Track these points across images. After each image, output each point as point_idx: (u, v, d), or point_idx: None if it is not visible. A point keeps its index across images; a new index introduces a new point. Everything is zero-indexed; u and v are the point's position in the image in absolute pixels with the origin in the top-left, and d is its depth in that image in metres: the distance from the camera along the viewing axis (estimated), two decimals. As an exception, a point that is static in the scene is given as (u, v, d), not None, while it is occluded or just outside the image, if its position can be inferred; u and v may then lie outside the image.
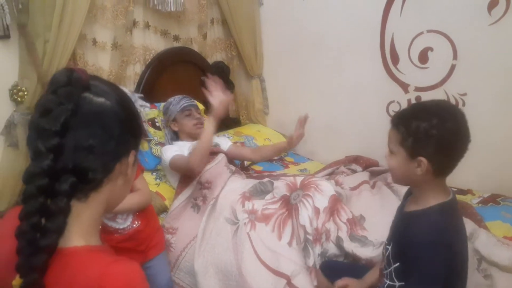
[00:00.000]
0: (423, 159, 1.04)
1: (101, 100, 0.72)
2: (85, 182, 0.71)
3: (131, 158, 0.78)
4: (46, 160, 0.66)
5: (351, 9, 2.54)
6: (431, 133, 1.03)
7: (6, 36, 1.87)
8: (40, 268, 0.65)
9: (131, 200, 1.56)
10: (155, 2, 2.35)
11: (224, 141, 2.31)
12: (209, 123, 1.92)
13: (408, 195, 1.26)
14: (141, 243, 1.64)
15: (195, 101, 2.24)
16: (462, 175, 2.25)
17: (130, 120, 0.78)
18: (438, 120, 1.04)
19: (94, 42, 2.18)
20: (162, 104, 2.38)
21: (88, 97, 0.71)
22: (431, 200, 1.10)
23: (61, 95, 0.68)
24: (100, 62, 2.22)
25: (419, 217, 1.10)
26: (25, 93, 1.87)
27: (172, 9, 2.41)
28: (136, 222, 1.62)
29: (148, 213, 1.70)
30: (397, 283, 1.13)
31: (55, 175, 0.67)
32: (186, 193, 1.99)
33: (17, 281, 0.65)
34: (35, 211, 0.66)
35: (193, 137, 2.14)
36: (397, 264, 1.13)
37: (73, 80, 0.70)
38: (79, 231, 0.72)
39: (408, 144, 1.06)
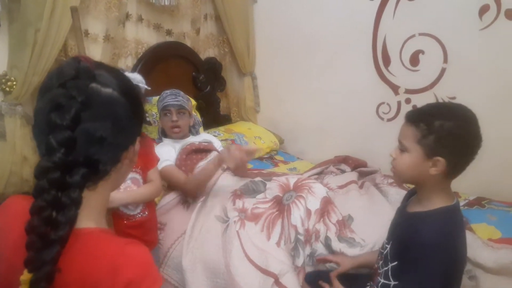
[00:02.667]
0: (441, 159, 1.04)
1: (108, 90, 0.72)
2: (96, 173, 0.72)
3: (137, 145, 0.80)
4: (58, 154, 0.66)
5: (345, 10, 2.55)
6: (454, 133, 1.03)
7: (-5, 25, 1.84)
8: (52, 261, 0.65)
9: (142, 190, 1.59)
10: (149, -5, 2.34)
11: (216, 141, 2.28)
12: (213, 165, 1.82)
13: (409, 196, 1.26)
14: (146, 233, 1.65)
15: (183, 98, 2.08)
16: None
17: (136, 108, 0.78)
18: (463, 121, 1.05)
19: (86, 33, 2.15)
20: (155, 97, 2.36)
21: (96, 88, 0.70)
22: (437, 202, 1.10)
23: (71, 89, 0.68)
24: (91, 54, 2.17)
25: (425, 218, 1.10)
26: (14, 83, 1.84)
27: (166, 3, 2.40)
28: (146, 212, 1.63)
29: (153, 205, 1.73)
30: (392, 282, 1.14)
31: (67, 168, 0.67)
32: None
33: (25, 275, 0.64)
34: (47, 205, 0.66)
35: (174, 138, 2.10)
36: (395, 262, 1.14)
37: (81, 71, 0.69)
38: (89, 215, 0.74)
39: (428, 142, 1.06)
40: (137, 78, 1.53)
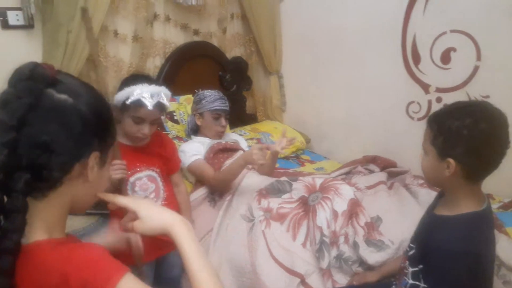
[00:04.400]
0: (451, 160, 1.01)
1: (63, 97, 0.70)
2: (40, 180, 0.68)
3: (91, 160, 0.74)
4: (1, 155, 0.64)
5: (373, 6, 2.50)
6: (461, 133, 0.99)
7: (30, 26, 1.90)
8: (8, 271, 0.64)
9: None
10: (176, -5, 2.36)
11: (243, 141, 2.30)
12: (238, 164, 1.84)
13: (439, 196, 1.22)
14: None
15: (228, 105, 2.17)
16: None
17: (96, 121, 0.74)
18: (471, 120, 1.00)
19: (116, 33, 2.20)
20: (182, 97, 2.39)
21: (50, 93, 0.69)
22: (463, 207, 1.06)
23: (20, 89, 0.67)
24: (120, 54, 2.23)
25: (448, 223, 1.07)
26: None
27: (193, 3, 2.42)
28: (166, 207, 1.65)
29: (176, 205, 1.73)
30: (422, 285, 1.11)
31: (10, 171, 0.65)
32: (205, 188, 2.00)
33: None
34: None
35: (211, 137, 2.14)
36: (421, 266, 1.11)
37: (35, 74, 0.68)
38: (42, 227, 0.71)
39: (438, 143, 1.04)
40: (167, 94, 1.56)
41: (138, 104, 1.46)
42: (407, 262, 1.19)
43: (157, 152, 1.67)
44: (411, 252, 1.18)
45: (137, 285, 0.69)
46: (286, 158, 2.62)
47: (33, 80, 0.68)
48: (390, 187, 2.10)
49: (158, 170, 1.65)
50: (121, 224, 0.88)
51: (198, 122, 2.15)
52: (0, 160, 0.64)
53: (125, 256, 0.84)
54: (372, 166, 2.38)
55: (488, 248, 1.07)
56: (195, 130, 2.20)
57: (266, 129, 2.79)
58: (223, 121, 2.13)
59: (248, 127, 2.79)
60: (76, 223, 1.67)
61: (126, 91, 1.47)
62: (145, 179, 1.61)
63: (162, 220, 0.82)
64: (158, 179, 1.65)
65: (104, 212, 1.77)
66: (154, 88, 1.48)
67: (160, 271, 1.66)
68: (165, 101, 1.50)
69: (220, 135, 2.15)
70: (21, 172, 0.66)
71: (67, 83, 0.73)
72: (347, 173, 2.32)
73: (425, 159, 1.10)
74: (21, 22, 1.86)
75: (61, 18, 1.85)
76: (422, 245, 1.13)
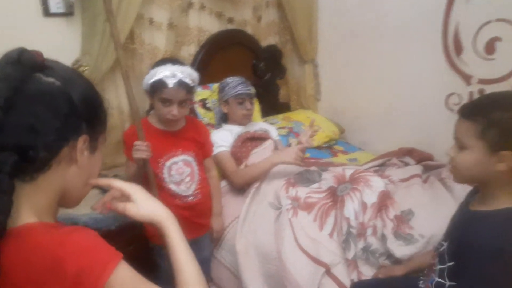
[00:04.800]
0: (508, 153, 0.97)
1: (50, 80, 0.71)
2: (26, 161, 0.68)
3: (80, 143, 0.75)
4: None
5: (414, -6, 2.41)
6: None
7: (70, 13, 1.96)
8: None
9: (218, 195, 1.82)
10: (212, -17, 2.37)
11: (273, 130, 2.29)
12: (272, 161, 1.89)
13: (474, 192, 1.17)
14: (197, 215, 1.72)
15: (252, 88, 2.19)
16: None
17: (84, 105, 0.75)
18: None
19: (151, 21, 2.23)
20: (215, 84, 2.41)
21: (38, 77, 0.71)
22: (502, 202, 1.02)
23: (7, 73, 0.68)
24: (156, 42, 2.26)
25: (486, 218, 1.03)
26: (86, 68, 1.95)
27: (228, -9, 2.42)
28: (199, 196, 1.70)
29: (208, 190, 1.78)
30: (448, 283, 1.08)
31: None
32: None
33: None
34: None
35: (239, 123, 2.15)
36: (452, 263, 1.07)
37: (22, 59, 0.70)
38: (31, 211, 0.71)
39: (491, 136, 0.98)
40: (193, 74, 1.59)
41: (161, 84, 1.50)
42: (437, 259, 1.15)
43: (192, 137, 1.71)
44: (442, 249, 1.14)
45: (131, 272, 0.70)
46: (319, 148, 2.60)
47: (20, 64, 0.69)
48: (425, 181, 2.03)
49: (193, 154, 1.69)
50: (109, 203, 0.88)
51: (225, 110, 2.17)
52: None
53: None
54: (407, 159, 2.31)
55: None
56: (224, 119, 2.23)
57: (298, 118, 2.76)
58: (248, 105, 2.13)
59: (280, 116, 2.77)
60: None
61: (151, 73, 1.51)
62: (181, 163, 1.66)
63: (156, 211, 0.85)
64: (194, 163, 1.69)
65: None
66: (177, 67, 1.51)
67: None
68: (187, 79, 1.52)
69: (247, 118, 2.15)
70: (8, 153, 0.66)
71: (56, 69, 0.74)
72: (381, 165, 2.26)
73: (465, 155, 1.04)
74: (61, 9, 1.93)
75: (99, 5, 1.90)
76: (455, 242, 1.09)
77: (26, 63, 0.70)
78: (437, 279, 1.12)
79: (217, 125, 2.25)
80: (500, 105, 0.99)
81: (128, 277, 0.69)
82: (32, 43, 1.89)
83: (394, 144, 2.50)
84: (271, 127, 2.31)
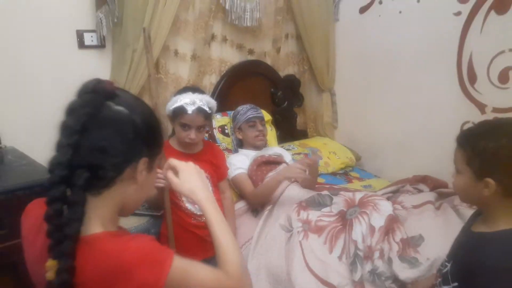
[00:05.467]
0: (490, 180, 1.02)
1: (120, 108, 0.82)
2: (97, 178, 0.79)
3: (141, 165, 0.85)
4: (67, 154, 0.76)
5: (428, 26, 2.48)
6: (499, 153, 1.01)
7: (102, 46, 2.15)
8: (70, 254, 0.75)
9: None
10: (233, 17, 2.52)
11: (287, 155, 2.38)
12: (277, 180, 1.95)
13: (477, 215, 1.21)
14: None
15: (262, 112, 2.33)
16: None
17: (147, 131, 0.86)
18: (507, 139, 1.01)
19: (176, 53, 2.39)
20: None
21: (109, 105, 0.81)
22: (502, 223, 1.06)
23: (84, 100, 0.79)
24: (179, 71, 2.42)
25: (491, 240, 1.06)
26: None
27: (248, 25, 2.56)
28: None
29: (222, 210, 1.83)
30: None
31: (73, 168, 0.77)
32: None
33: (50, 262, 0.75)
34: (58, 197, 0.76)
35: (254, 146, 2.25)
36: (455, 284, 1.10)
37: (97, 88, 0.80)
38: (98, 222, 0.82)
39: (475, 164, 1.04)
40: (211, 102, 1.73)
41: (181, 110, 1.63)
42: (440, 280, 1.18)
43: (209, 160, 1.82)
44: (445, 270, 1.17)
45: (185, 261, 0.82)
46: (334, 174, 2.65)
47: (95, 93, 0.80)
48: (438, 208, 2.04)
49: (208, 176, 1.79)
50: (162, 168, 1.04)
51: (239, 136, 2.30)
52: (66, 158, 0.76)
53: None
54: (421, 186, 2.33)
55: None
56: (240, 145, 2.35)
57: (315, 145, 2.83)
58: (259, 126, 2.24)
59: (297, 142, 2.85)
60: (129, 222, 1.84)
61: (173, 100, 1.65)
62: None
63: (194, 191, 0.99)
64: (209, 184, 1.78)
65: (154, 214, 1.93)
66: (196, 95, 1.64)
67: None
68: (205, 107, 1.64)
69: (260, 140, 2.25)
70: (82, 170, 0.77)
71: (124, 97, 0.85)
72: (395, 192, 2.29)
73: (460, 178, 1.10)
74: (94, 42, 2.12)
75: (128, 38, 2.08)
76: (459, 263, 1.12)
77: (100, 92, 0.81)
78: None
79: (234, 151, 2.35)
80: (486, 135, 1.05)
81: (183, 268, 0.81)
82: (69, 72, 2.12)
83: (410, 171, 2.52)
84: (285, 151, 2.40)
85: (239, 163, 2.12)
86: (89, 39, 2.10)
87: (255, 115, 2.25)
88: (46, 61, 2.01)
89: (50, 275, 0.75)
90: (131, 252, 0.77)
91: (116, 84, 0.91)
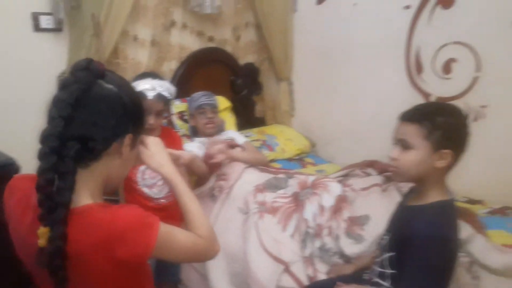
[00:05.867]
0: (448, 151, 1.14)
1: (110, 86, 0.89)
2: (86, 150, 0.85)
3: (127, 140, 0.93)
4: (59, 126, 0.81)
5: (379, 18, 2.61)
6: (457, 127, 1.15)
7: (59, 29, 2.13)
8: (62, 221, 0.80)
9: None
10: (193, 4, 2.54)
11: (239, 137, 2.41)
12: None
13: (410, 192, 1.34)
14: (170, 217, 1.79)
15: (215, 99, 2.32)
16: (476, 186, 2.30)
17: (133, 108, 0.93)
18: (461, 116, 1.18)
19: (135, 38, 2.39)
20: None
21: (100, 83, 0.88)
22: (433, 196, 1.19)
23: (78, 77, 0.85)
24: (139, 57, 2.42)
25: (422, 211, 1.19)
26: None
27: (208, 12, 2.59)
28: (170, 198, 1.82)
29: None
30: (389, 271, 1.22)
31: (64, 140, 0.82)
32: (207, 184, 2.16)
33: (42, 229, 0.80)
34: (49, 168, 0.81)
35: (206, 134, 2.28)
36: (392, 253, 1.22)
37: (90, 67, 0.87)
38: (87, 194, 0.88)
39: (436, 137, 1.14)
40: (170, 88, 1.78)
41: (141, 95, 1.65)
42: (379, 252, 1.30)
43: (167, 146, 1.84)
44: (383, 242, 1.29)
45: (168, 225, 0.91)
46: (290, 160, 2.75)
47: (88, 70, 0.86)
48: (384, 190, 2.18)
49: None
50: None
51: (192, 123, 2.33)
52: (58, 130, 0.81)
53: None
54: (370, 170, 2.47)
55: (455, 235, 1.18)
56: (195, 133, 2.36)
57: (272, 132, 2.92)
58: (208, 113, 2.25)
59: (255, 130, 2.93)
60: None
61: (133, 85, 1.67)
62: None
63: (162, 166, 1.08)
64: None
65: (112, 198, 1.96)
66: (157, 82, 1.68)
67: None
68: (165, 93, 1.68)
69: (210, 128, 2.26)
70: (73, 142, 0.83)
71: (112, 77, 0.92)
72: (345, 176, 2.42)
73: (411, 154, 1.18)
74: (51, 25, 2.09)
75: (86, 23, 2.07)
76: (395, 234, 1.24)
77: (93, 71, 0.87)
78: (379, 269, 1.27)
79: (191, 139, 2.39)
80: (442, 112, 1.19)
81: (168, 231, 0.90)
82: (24, 55, 2.11)
83: (361, 157, 2.63)
84: (237, 134, 2.43)
85: (194, 148, 2.14)
86: (45, 22, 2.07)
87: (206, 102, 2.26)
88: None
89: (42, 242, 0.80)
90: (121, 219, 0.84)
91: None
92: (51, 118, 0.83)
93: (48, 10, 2.06)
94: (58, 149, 0.81)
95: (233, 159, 2.02)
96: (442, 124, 1.14)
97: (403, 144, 1.20)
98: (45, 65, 2.07)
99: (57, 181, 0.81)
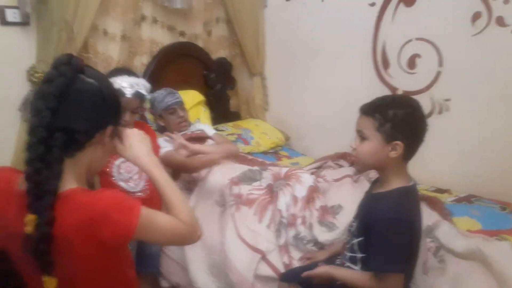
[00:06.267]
0: (399, 142, 1.19)
1: (91, 80, 0.94)
2: (71, 141, 0.91)
3: (108, 131, 0.99)
4: (46, 117, 0.85)
5: (346, 15, 2.70)
6: (406, 119, 1.19)
7: (26, 23, 2.07)
8: (49, 208, 0.84)
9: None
10: (163, -1, 2.54)
11: (208, 129, 2.41)
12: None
13: (376, 181, 1.41)
14: None
15: (179, 95, 2.28)
16: (444, 176, 2.42)
17: (112, 101, 0.99)
18: (412, 109, 1.22)
19: (105, 32, 2.35)
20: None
21: (81, 77, 0.93)
22: (395, 183, 1.25)
23: (61, 71, 0.89)
24: (109, 52, 2.39)
25: (383, 197, 1.26)
26: (41, 74, 2.05)
27: (179, 6, 2.59)
28: (147, 191, 1.84)
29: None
30: (359, 255, 1.29)
31: (51, 131, 0.86)
32: (182, 178, 2.18)
33: (29, 217, 0.84)
34: (37, 157, 0.85)
35: (179, 131, 2.25)
36: (361, 238, 1.28)
37: (72, 62, 0.91)
38: (72, 180, 0.94)
39: (386, 129, 1.20)
40: (146, 85, 1.78)
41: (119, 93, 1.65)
42: (349, 238, 1.37)
43: None
44: (352, 228, 1.36)
45: (149, 209, 0.94)
46: (265, 153, 2.80)
47: (70, 65, 0.90)
48: (356, 180, 2.27)
49: None
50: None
51: (161, 123, 2.29)
52: (45, 121, 0.86)
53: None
54: (342, 162, 2.56)
55: (416, 218, 1.25)
56: (163, 131, 2.31)
57: (247, 126, 2.97)
58: (179, 112, 2.23)
59: (230, 124, 2.96)
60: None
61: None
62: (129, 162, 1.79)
63: (139, 158, 1.08)
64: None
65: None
66: (133, 79, 1.68)
67: (142, 246, 1.84)
68: (143, 90, 1.69)
69: (182, 125, 2.25)
70: (60, 133, 0.88)
71: (92, 72, 0.97)
72: (318, 168, 2.50)
73: (366, 145, 1.25)
74: (18, 19, 2.03)
75: (54, 16, 2.03)
76: (362, 220, 1.31)
77: (74, 65, 0.91)
78: (349, 254, 1.33)
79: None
80: (393, 104, 1.23)
81: (149, 214, 0.93)
82: None
83: (332, 150, 2.74)
84: (206, 126, 2.43)
85: (164, 143, 2.13)
86: (12, 15, 2.01)
87: (173, 101, 2.23)
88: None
89: (29, 228, 0.83)
90: (104, 200, 0.89)
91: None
92: (38, 111, 0.86)
93: (15, 3, 2.00)
94: (45, 140, 0.85)
95: (196, 153, 1.98)
96: (392, 117, 1.19)
97: (361, 135, 1.27)
98: (13, 59, 2.02)
99: (45, 170, 0.85)
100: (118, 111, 1.03)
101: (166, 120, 2.27)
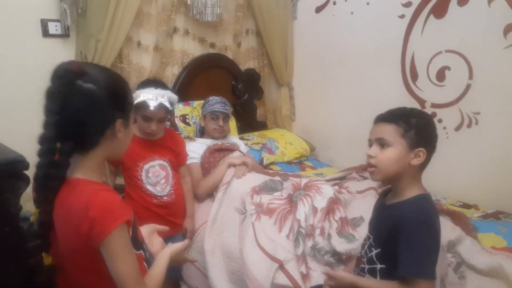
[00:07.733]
0: (422, 149, 1.22)
1: (88, 85, 0.96)
2: (81, 143, 0.99)
3: (118, 125, 1.03)
4: (51, 131, 0.95)
5: (376, 26, 2.70)
6: (427, 128, 1.24)
7: (66, 35, 2.22)
8: (50, 200, 0.96)
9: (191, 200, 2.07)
10: (195, 12, 2.64)
11: (242, 145, 2.52)
12: (223, 166, 2.18)
13: (385, 194, 1.40)
14: (172, 214, 1.93)
15: (229, 108, 2.40)
16: (471, 191, 2.35)
17: (115, 98, 1.02)
18: (429, 118, 1.29)
19: (139, 44, 2.49)
20: (196, 102, 2.65)
21: (80, 84, 0.95)
22: (412, 192, 1.25)
23: (58, 84, 0.95)
24: (142, 62, 2.51)
25: (405, 204, 1.24)
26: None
27: (209, 20, 2.68)
28: (173, 195, 1.92)
29: (181, 192, 2.01)
30: (379, 266, 1.28)
31: (59, 139, 0.96)
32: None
33: (34, 210, 0.96)
34: (45, 164, 0.96)
35: (212, 137, 2.38)
36: (378, 249, 1.28)
37: (66, 73, 0.95)
38: (82, 171, 1.01)
39: (411, 135, 1.22)
40: (172, 97, 1.85)
41: (143, 104, 1.74)
42: (366, 249, 1.36)
43: (169, 147, 1.94)
44: (369, 241, 1.35)
45: (126, 237, 0.98)
46: (289, 163, 2.82)
47: (65, 77, 0.94)
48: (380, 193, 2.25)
49: (168, 160, 1.92)
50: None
51: (202, 124, 2.42)
52: (52, 134, 0.95)
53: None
54: (366, 174, 2.54)
55: (439, 224, 1.23)
56: (201, 132, 2.46)
57: (273, 135, 3.00)
58: (220, 121, 2.34)
59: (256, 133, 3.01)
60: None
61: (136, 93, 1.75)
62: (158, 167, 1.89)
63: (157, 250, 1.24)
64: (168, 168, 1.92)
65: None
66: (159, 91, 1.76)
67: None
68: (166, 102, 1.76)
69: (217, 133, 2.36)
70: (67, 141, 0.96)
71: (91, 74, 0.98)
72: (342, 179, 2.49)
73: (389, 152, 1.24)
74: (59, 31, 2.19)
75: (92, 29, 2.16)
76: (379, 232, 1.30)
77: (70, 75, 0.94)
78: (367, 266, 1.32)
79: (195, 138, 2.48)
80: (413, 114, 1.27)
81: (123, 241, 0.97)
82: (33, 60, 2.21)
83: (358, 161, 2.72)
84: (240, 141, 2.53)
85: (193, 152, 2.23)
86: (54, 28, 2.16)
87: (220, 109, 2.34)
88: (10, 49, 2.07)
89: (32, 218, 0.97)
90: (97, 199, 0.95)
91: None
92: (45, 125, 0.96)
93: (56, 17, 2.15)
94: (54, 150, 0.96)
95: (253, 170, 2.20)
96: (416, 124, 1.22)
97: (381, 143, 1.27)
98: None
99: (52, 170, 0.96)
100: (123, 104, 1.06)
101: (207, 123, 2.38)
